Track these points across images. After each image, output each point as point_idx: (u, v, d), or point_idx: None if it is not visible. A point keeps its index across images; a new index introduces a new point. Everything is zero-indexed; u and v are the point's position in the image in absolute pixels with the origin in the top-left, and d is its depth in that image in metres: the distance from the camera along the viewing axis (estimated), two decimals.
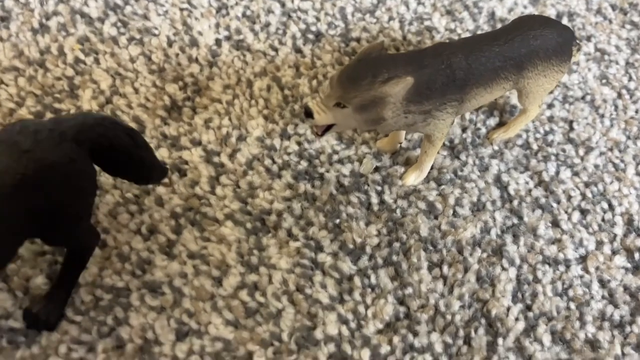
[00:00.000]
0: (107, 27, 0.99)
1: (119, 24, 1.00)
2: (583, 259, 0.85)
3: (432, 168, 0.91)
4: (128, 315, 0.75)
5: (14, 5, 1.00)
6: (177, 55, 0.98)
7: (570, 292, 0.82)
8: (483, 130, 0.96)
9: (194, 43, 1.00)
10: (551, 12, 1.13)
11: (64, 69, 0.94)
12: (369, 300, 0.79)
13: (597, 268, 0.85)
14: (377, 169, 0.90)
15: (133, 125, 0.89)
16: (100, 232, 0.80)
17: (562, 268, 0.84)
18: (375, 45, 0.72)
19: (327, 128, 0.75)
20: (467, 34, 1.07)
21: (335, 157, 0.90)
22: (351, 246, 0.83)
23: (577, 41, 0.88)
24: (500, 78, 0.79)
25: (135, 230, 0.81)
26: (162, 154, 0.88)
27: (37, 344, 0.72)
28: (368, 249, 0.83)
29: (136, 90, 0.93)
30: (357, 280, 0.80)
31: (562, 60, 0.83)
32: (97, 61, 0.96)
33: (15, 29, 0.98)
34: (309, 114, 0.72)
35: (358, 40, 1.04)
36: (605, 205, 0.91)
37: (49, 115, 0.89)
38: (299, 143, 0.91)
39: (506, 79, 0.80)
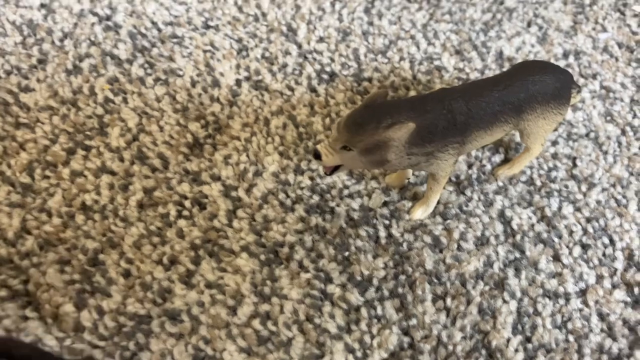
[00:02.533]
0: (135, 68, 1.07)
1: (146, 65, 1.08)
2: (583, 293, 0.89)
3: (438, 203, 0.95)
4: (149, 341, 0.80)
5: (50, 48, 1.08)
6: (199, 95, 1.05)
7: (570, 325, 0.86)
8: (488, 167, 1.00)
9: (215, 83, 1.06)
10: (558, 51, 1.17)
11: (94, 108, 1.01)
12: (374, 331, 0.83)
13: (596, 302, 0.88)
14: (385, 204, 0.95)
15: (157, 161, 0.96)
16: (125, 262, 0.86)
17: (562, 301, 0.88)
18: (380, 93, 0.78)
19: (336, 168, 0.81)
20: (476, 73, 1.12)
21: (346, 192, 0.96)
22: (359, 278, 0.87)
23: (577, 84, 0.93)
24: (500, 121, 0.83)
25: (157, 260, 0.87)
26: (184, 188, 0.94)
27: None
28: (375, 281, 0.87)
29: (161, 128, 1.00)
30: (364, 311, 0.84)
31: (560, 103, 0.87)
32: (125, 100, 1.03)
33: (51, 70, 1.05)
34: (317, 156, 0.77)
35: (370, 80, 1.10)
36: (606, 240, 0.94)
37: (80, 151, 0.96)
38: (311, 178, 0.97)
39: (506, 122, 0.84)
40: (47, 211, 0.90)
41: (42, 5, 1.14)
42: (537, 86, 0.84)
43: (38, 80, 1.04)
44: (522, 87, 0.84)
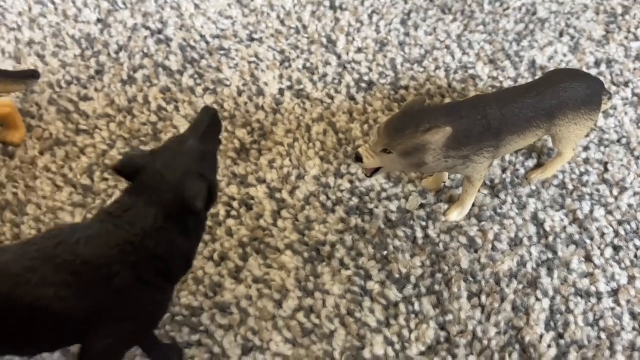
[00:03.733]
0: (185, 79, 1.14)
1: (195, 76, 1.15)
2: (615, 292, 0.92)
3: (473, 206, 1.00)
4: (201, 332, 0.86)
5: (107, 60, 1.16)
6: (245, 103, 1.11)
7: (602, 323, 0.89)
8: (522, 171, 1.04)
9: (260, 92, 1.13)
10: (590, 60, 1.21)
11: (148, 116, 1.09)
12: (412, 325, 0.88)
13: (628, 301, 0.91)
14: (422, 206, 1.00)
15: None
16: None
17: (593, 300, 0.91)
18: (418, 100, 0.83)
19: (376, 170, 0.86)
20: (509, 82, 1.16)
21: (384, 195, 1.01)
22: (397, 276, 0.92)
23: (607, 91, 0.96)
24: (532, 127, 0.88)
25: (209, 257, 0.93)
26: (232, 190, 1.00)
27: None
28: (413, 279, 0.92)
29: None
30: (402, 307, 0.89)
31: (591, 109, 0.91)
32: (177, 109, 1.10)
33: (108, 80, 1.13)
34: (359, 158, 0.83)
35: (406, 88, 1.15)
36: (638, 243, 0.97)
37: None
38: (351, 181, 1.02)
39: (538, 127, 0.88)
40: None
41: (99, 20, 1.22)
42: (568, 93, 0.88)
43: (96, 90, 1.12)
44: (553, 94, 0.88)
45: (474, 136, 0.83)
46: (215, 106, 1.10)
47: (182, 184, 0.67)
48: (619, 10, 1.31)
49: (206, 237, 0.95)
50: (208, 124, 0.74)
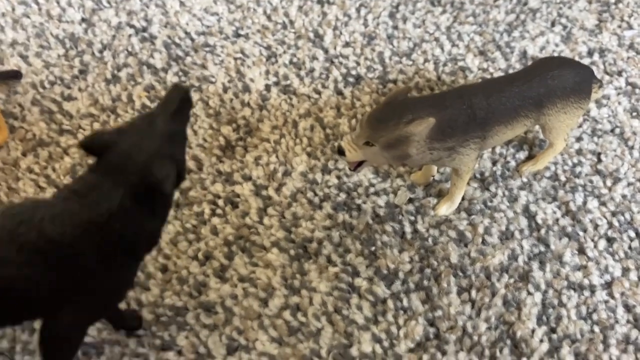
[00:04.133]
0: (170, 77, 1.12)
1: (180, 73, 1.13)
2: (608, 285, 0.90)
3: (462, 199, 0.98)
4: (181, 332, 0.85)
5: (90, 59, 1.15)
6: (231, 100, 1.10)
7: (595, 316, 0.87)
8: (512, 163, 1.02)
9: (246, 89, 1.11)
10: (582, 49, 1.18)
11: (132, 114, 1.07)
12: (401, 322, 0.86)
13: (622, 294, 0.89)
14: (411, 200, 0.98)
15: (192, 163, 1.01)
16: (162, 258, 0.91)
17: (587, 293, 0.89)
18: (402, 90, 0.81)
19: (360, 163, 0.84)
20: (500, 73, 1.14)
21: (372, 190, 0.99)
22: (385, 272, 0.90)
23: (598, 79, 0.94)
24: (520, 116, 0.85)
25: (193, 256, 0.91)
26: (217, 188, 0.98)
27: (104, 355, 0.82)
28: (401, 275, 0.90)
29: (195, 132, 1.05)
30: (390, 303, 0.87)
31: (580, 97, 0.89)
32: None
33: (92, 80, 1.12)
34: (341, 151, 0.81)
35: (395, 82, 1.13)
36: (632, 234, 0.95)
37: None
38: (338, 177, 1.00)
39: (526, 117, 0.86)
40: None
41: (83, 20, 1.21)
42: (556, 81, 0.86)
43: (80, 90, 1.10)
44: (541, 82, 0.86)
45: (458, 127, 0.81)
46: (200, 103, 1.09)
47: (150, 165, 0.66)
48: None
49: (190, 236, 0.93)
50: (178, 102, 0.72)
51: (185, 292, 0.88)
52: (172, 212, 0.96)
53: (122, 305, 0.85)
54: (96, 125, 1.05)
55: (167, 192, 0.65)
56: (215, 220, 0.95)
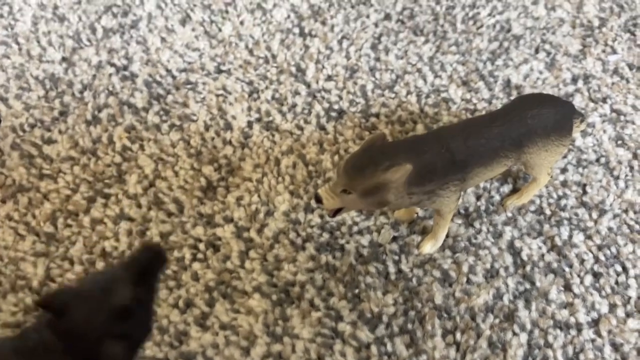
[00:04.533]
0: (150, 116, 1.11)
1: (161, 112, 1.12)
2: (595, 323, 0.89)
3: (447, 236, 0.97)
4: None
5: (71, 99, 1.14)
6: (212, 138, 1.09)
7: (582, 357, 0.85)
8: (497, 198, 1.01)
9: (228, 126, 1.10)
10: (567, 76, 1.18)
11: (113, 157, 1.06)
12: None
13: (609, 331, 0.88)
14: (394, 239, 0.97)
15: (173, 206, 1.00)
16: None
17: (573, 332, 0.88)
18: (378, 135, 0.80)
19: (338, 210, 0.83)
20: (483, 104, 1.14)
21: (355, 228, 0.98)
22: (369, 315, 0.89)
23: (580, 113, 0.93)
24: (500, 157, 0.85)
25: (174, 304, 0.90)
26: (198, 232, 0.97)
27: None
28: (385, 318, 0.89)
29: (176, 173, 1.04)
30: (374, 349, 0.86)
31: (561, 135, 0.88)
32: (142, 148, 1.07)
33: (72, 121, 1.11)
34: (319, 200, 0.80)
35: (377, 115, 1.12)
36: (619, 268, 0.94)
37: (100, 199, 1.01)
38: (321, 216, 0.99)
39: (506, 157, 0.85)
40: (70, 259, 0.95)
41: (64, 59, 1.20)
42: (536, 120, 0.85)
43: (60, 132, 1.10)
44: (521, 122, 0.85)
45: (438, 171, 0.80)
46: (181, 143, 1.08)
47: (99, 346, 0.62)
48: (596, 23, 1.28)
49: (171, 283, 0.92)
50: (146, 263, 0.67)
51: (166, 342, 0.87)
52: None
53: None
54: (76, 169, 1.05)
55: None
56: (196, 266, 0.94)
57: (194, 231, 0.97)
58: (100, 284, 0.65)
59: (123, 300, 0.64)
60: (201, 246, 0.96)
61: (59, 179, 1.03)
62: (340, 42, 1.24)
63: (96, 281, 0.65)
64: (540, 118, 0.86)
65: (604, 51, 1.23)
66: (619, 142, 1.08)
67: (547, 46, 1.23)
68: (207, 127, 1.11)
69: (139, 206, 1.00)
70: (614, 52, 1.24)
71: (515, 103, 0.88)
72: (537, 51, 1.23)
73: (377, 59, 1.21)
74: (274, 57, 1.22)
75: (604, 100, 1.15)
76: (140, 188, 1.02)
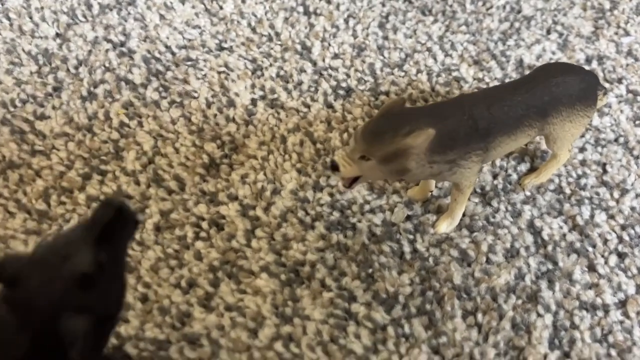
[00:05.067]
0: (149, 92, 1.06)
1: (160, 89, 1.07)
2: (623, 304, 0.84)
3: (463, 215, 0.92)
4: None
5: (65, 75, 1.08)
6: (215, 115, 1.03)
7: (611, 338, 0.81)
8: (514, 177, 0.96)
9: (231, 104, 1.05)
10: (580, 57, 1.14)
11: (109, 133, 1.00)
12: (403, 350, 0.79)
13: (638, 313, 0.83)
14: (408, 218, 0.92)
15: (173, 183, 0.94)
16: (142, 286, 0.84)
17: (600, 313, 0.83)
18: (397, 101, 0.75)
19: (355, 180, 0.78)
20: (496, 83, 1.09)
21: (367, 207, 0.92)
22: (384, 296, 0.84)
23: (602, 86, 0.89)
24: (524, 126, 0.80)
25: (175, 284, 0.84)
26: (200, 209, 0.92)
27: None
28: (401, 298, 0.84)
29: (177, 150, 0.98)
30: (390, 330, 0.81)
31: (586, 105, 0.84)
32: (140, 124, 1.02)
33: (66, 97, 1.05)
34: (335, 167, 0.75)
35: (387, 93, 1.07)
36: None
37: (96, 176, 0.95)
38: (331, 194, 0.94)
39: (530, 127, 0.81)
40: None
41: (58, 35, 1.15)
42: (561, 88, 0.81)
43: (54, 108, 1.04)
44: (545, 89, 0.80)
45: (460, 138, 0.76)
46: (182, 120, 1.02)
47: (57, 321, 0.53)
48: (607, 6, 1.24)
49: (172, 262, 0.86)
50: (107, 222, 0.57)
51: (168, 324, 0.81)
52: (152, 237, 0.89)
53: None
54: (71, 145, 0.99)
55: (74, 359, 0.52)
56: (199, 245, 0.88)
57: (197, 209, 0.92)
58: (56, 249, 0.56)
59: (81, 266, 0.55)
60: (204, 224, 0.90)
61: (53, 156, 0.97)
62: (346, 21, 1.19)
63: (51, 246, 0.57)
64: (565, 86, 0.81)
65: (616, 33, 1.20)
66: (637, 122, 1.05)
67: (558, 27, 1.20)
68: (209, 104, 1.05)
69: (138, 183, 0.95)
70: (627, 34, 1.20)
71: (538, 71, 0.84)
72: (548, 32, 1.19)
73: (385, 38, 1.16)
74: (277, 35, 1.17)
75: (619, 80, 1.11)
76: (138, 165, 0.97)
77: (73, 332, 0.53)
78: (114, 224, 0.58)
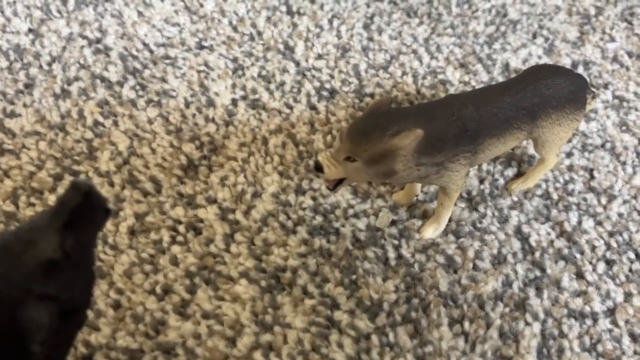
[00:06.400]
0: (126, 91, 1.02)
1: (137, 87, 1.03)
2: (611, 312, 0.82)
3: (450, 221, 0.89)
4: None
5: (38, 72, 1.04)
6: (194, 115, 1.00)
7: (600, 347, 0.78)
8: (501, 181, 0.94)
9: (210, 103, 1.02)
10: (566, 62, 1.13)
11: (83, 132, 0.96)
12: (387, 359, 0.76)
13: (627, 321, 0.81)
14: (393, 223, 0.89)
15: (149, 185, 0.90)
16: (115, 292, 0.80)
17: (589, 322, 0.81)
18: (384, 100, 0.73)
19: (339, 182, 0.75)
20: (482, 86, 1.07)
21: (351, 212, 0.90)
22: (368, 303, 0.81)
23: (591, 89, 0.88)
24: (513, 128, 0.78)
25: (150, 290, 0.81)
26: (178, 212, 0.88)
27: None
28: (386, 306, 0.81)
29: (153, 151, 0.95)
30: (374, 339, 0.78)
31: (576, 108, 0.82)
32: (115, 123, 0.98)
33: (38, 95, 1.01)
34: (319, 168, 0.72)
35: (372, 95, 1.05)
36: (632, 255, 0.87)
37: (67, 177, 0.91)
38: (313, 198, 0.91)
39: (519, 129, 0.79)
40: None
41: (30, 30, 1.10)
42: (551, 90, 0.79)
43: (25, 105, 0.99)
44: (535, 91, 0.78)
45: (448, 140, 0.73)
46: (159, 119, 0.99)
47: (19, 308, 0.49)
48: (592, 12, 1.24)
49: (147, 267, 0.82)
50: (75, 208, 0.53)
51: (141, 332, 0.77)
52: (126, 241, 0.85)
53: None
54: (42, 145, 0.94)
55: (36, 351, 0.48)
56: (176, 249, 0.84)
57: (173, 212, 0.88)
58: (20, 234, 0.52)
59: (45, 252, 0.51)
60: (181, 228, 0.86)
61: (22, 155, 0.93)
62: (330, 21, 1.17)
63: (15, 231, 0.53)
64: (555, 88, 0.79)
65: (602, 39, 1.19)
66: (624, 128, 1.03)
67: (544, 32, 1.18)
68: (187, 104, 1.02)
69: (112, 184, 0.90)
70: (612, 40, 1.19)
71: (527, 72, 0.82)
72: (534, 36, 1.18)
73: (370, 39, 1.14)
74: (259, 34, 1.14)
75: (606, 86, 1.10)
76: (113, 165, 0.93)
77: (36, 321, 0.49)
78: (82, 209, 0.54)
